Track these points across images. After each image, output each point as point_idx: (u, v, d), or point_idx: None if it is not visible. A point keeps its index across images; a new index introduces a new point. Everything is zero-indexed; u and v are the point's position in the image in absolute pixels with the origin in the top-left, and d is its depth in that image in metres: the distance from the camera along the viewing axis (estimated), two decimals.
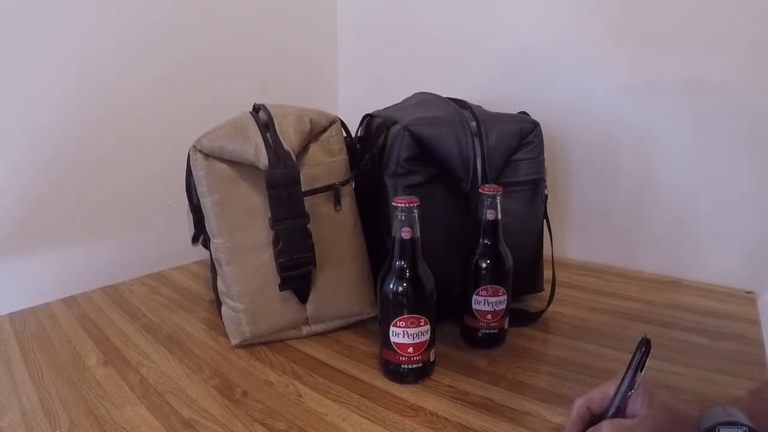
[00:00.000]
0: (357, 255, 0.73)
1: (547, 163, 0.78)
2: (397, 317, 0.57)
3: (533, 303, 0.79)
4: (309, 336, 0.71)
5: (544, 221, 0.79)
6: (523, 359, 0.65)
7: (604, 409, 0.42)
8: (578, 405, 0.43)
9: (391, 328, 0.57)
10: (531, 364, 0.63)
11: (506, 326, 0.68)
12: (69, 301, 0.86)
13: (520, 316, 0.74)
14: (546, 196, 0.78)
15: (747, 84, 0.80)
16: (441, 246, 0.69)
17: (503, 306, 0.65)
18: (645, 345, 0.40)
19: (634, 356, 0.41)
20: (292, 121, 0.68)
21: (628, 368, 0.41)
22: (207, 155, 0.66)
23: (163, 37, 0.97)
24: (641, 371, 0.40)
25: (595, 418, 0.42)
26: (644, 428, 0.38)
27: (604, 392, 0.42)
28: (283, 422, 0.53)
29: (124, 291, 0.90)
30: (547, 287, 0.78)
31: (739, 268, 0.84)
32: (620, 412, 0.41)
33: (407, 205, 0.55)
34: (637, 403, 0.40)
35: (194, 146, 0.66)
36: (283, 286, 0.67)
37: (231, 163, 0.66)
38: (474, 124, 0.71)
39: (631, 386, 0.40)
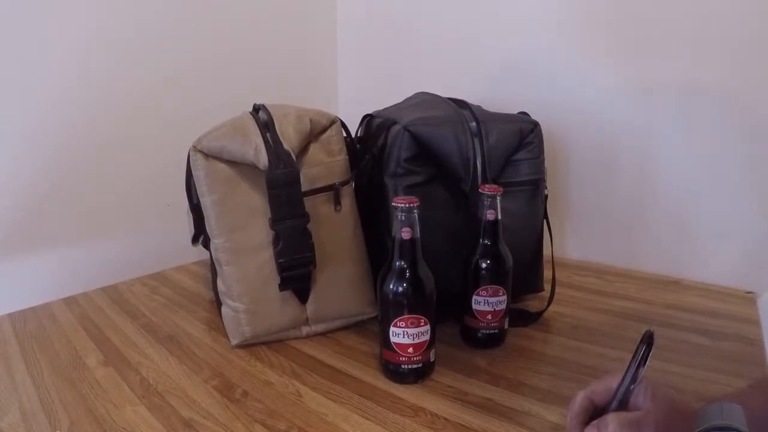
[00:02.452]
0: (357, 255, 0.73)
1: (547, 163, 0.78)
2: (397, 317, 0.57)
3: (533, 303, 0.79)
4: (309, 336, 0.71)
5: (544, 221, 0.79)
6: (523, 359, 0.65)
7: (607, 402, 0.42)
8: (581, 397, 0.43)
9: (391, 328, 0.57)
10: (531, 364, 0.63)
11: (506, 326, 0.68)
12: (69, 301, 0.86)
13: (520, 316, 0.74)
14: (546, 196, 0.78)
15: (746, 85, 0.80)
16: (441, 246, 0.69)
17: (503, 306, 0.65)
18: (648, 338, 0.40)
19: (637, 350, 0.40)
20: (292, 121, 0.68)
21: (631, 362, 0.41)
22: (207, 155, 0.66)
23: (163, 37, 0.97)
24: (645, 365, 0.40)
25: (597, 411, 0.42)
26: (649, 421, 0.38)
27: (607, 385, 0.42)
28: (283, 422, 0.53)
29: (124, 291, 0.90)
30: (547, 287, 0.78)
31: (739, 268, 0.84)
32: (623, 406, 0.41)
33: (407, 205, 0.55)
34: (640, 397, 0.40)
35: (194, 146, 0.66)
36: (283, 286, 0.67)
37: (231, 163, 0.66)
38: (474, 124, 0.71)
39: (634, 380, 0.40)
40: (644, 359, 0.40)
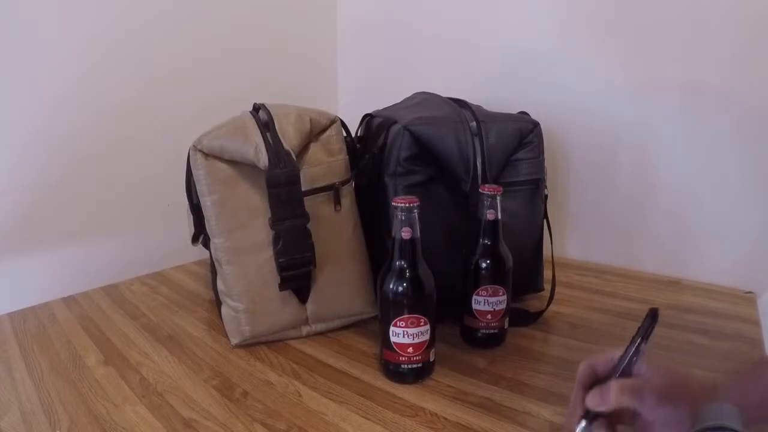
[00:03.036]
0: (357, 255, 0.73)
1: (547, 163, 0.78)
2: (397, 317, 0.57)
3: (533, 303, 0.79)
4: (309, 336, 0.71)
5: (544, 221, 0.79)
6: (523, 359, 0.65)
7: (609, 372, 0.43)
8: (584, 365, 0.44)
9: (391, 328, 0.57)
10: (531, 364, 0.63)
11: (506, 326, 0.68)
12: (69, 301, 0.86)
13: (520, 316, 0.74)
14: (546, 196, 0.78)
15: (747, 83, 0.80)
16: (441, 246, 0.69)
17: (503, 306, 0.65)
18: (653, 315, 0.42)
19: (642, 324, 0.42)
20: (293, 120, 0.68)
21: (635, 335, 0.42)
22: (207, 155, 0.66)
23: (162, 37, 0.97)
24: (647, 340, 0.41)
25: (599, 381, 0.43)
26: (650, 387, 0.39)
27: (609, 357, 0.43)
28: (283, 422, 0.53)
29: (124, 291, 0.90)
30: (547, 287, 0.78)
31: (739, 268, 0.84)
32: (625, 376, 0.42)
33: (407, 205, 0.55)
34: (641, 369, 0.41)
35: (194, 146, 0.66)
36: (283, 286, 0.67)
37: (231, 162, 0.66)
38: (474, 123, 0.71)
39: (636, 353, 0.41)
40: (647, 335, 0.41)
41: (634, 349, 0.41)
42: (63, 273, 0.89)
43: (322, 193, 0.69)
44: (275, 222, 0.64)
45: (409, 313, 0.57)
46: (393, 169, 0.70)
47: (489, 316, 0.65)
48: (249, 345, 0.69)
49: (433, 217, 0.68)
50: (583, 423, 0.41)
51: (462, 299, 0.67)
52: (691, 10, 0.82)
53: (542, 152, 0.77)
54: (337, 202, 0.70)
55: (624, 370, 0.41)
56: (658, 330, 0.71)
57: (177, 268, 1.01)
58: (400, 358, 0.58)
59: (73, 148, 0.87)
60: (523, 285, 0.78)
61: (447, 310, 0.65)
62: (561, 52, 0.97)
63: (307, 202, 0.66)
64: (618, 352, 0.42)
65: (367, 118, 0.85)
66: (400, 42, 1.22)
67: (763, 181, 0.81)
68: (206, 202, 0.67)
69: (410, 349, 0.58)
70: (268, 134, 0.66)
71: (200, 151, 0.66)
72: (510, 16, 1.02)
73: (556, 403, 0.54)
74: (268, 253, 0.66)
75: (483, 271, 0.65)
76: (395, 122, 0.72)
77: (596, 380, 0.43)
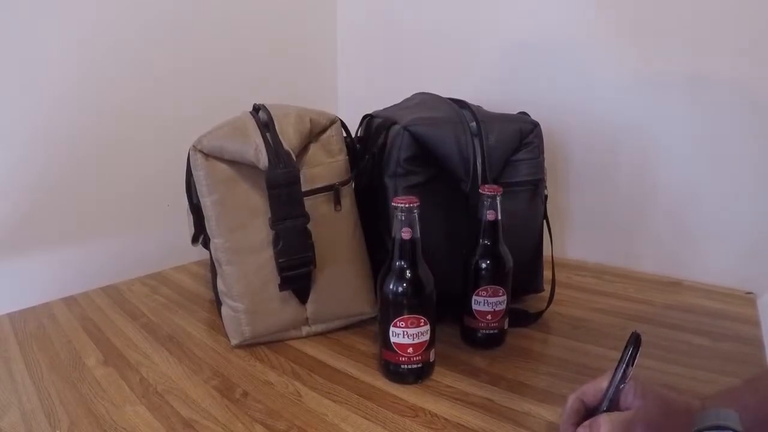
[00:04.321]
0: (357, 255, 0.73)
1: (547, 163, 0.78)
2: (397, 317, 0.57)
3: (533, 303, 0.79)
4: (309, 336, 0.71)
5: (544, 221, 0.79)
6: (523, 359, 0.65)
7: (598, 402, 0.43)
8: (572, 398, 0.44)
9: (391, 329, 0.57)
10: (531, 364, 0.63)
11: (506, 326, 0.68)
12: (69, 301, 0.86)
13: (520, 317, 0.73)
14: (546, 197, 0.78)
15: (748, 83, 0.80)
16: (441, 246, 0.69)
17: (503, 306, 0.65)
18: (636, 340, 0.41)
19: (625, 351, 0.42)
20: (293, 120, 0.68)
21: (619, 362, 0.42)
22: (207, 155, 0.66)
23: (162, 37, 0.97)
24: (632, 365, 0.41)
25: (588, 412, 0.43)
26: (640, 419, 0.39)
27: (597, 386, 0.43)
28: (283, 422, 0.53)
29: (124, 291, 0.90)
30: (547, 287, 0.78)
31: (739, 268, 0.84)
32: (613, 405, 0.42)
33: (407, 205, 0.55)
34: (629, 396, 0.41)
35: (194, 146, 0.66)
36: (283, 286, 0.67)
37: (231, 163, 0.66)
38: (474, 124, 0.71)
39: (623, 380, 0.41)
40: (632, 359, 0.41)
41: (620, 377, 0.41)
42: (63, 273, 0.89)
43: (322, 194, 0.69)
44: (275, 222, 0.64)
45: (409, 314, 0.57)
46: (393, 170, 0.70)
47: (489, 317, 0.65)
48: (249, 345, 0.69)
49: (433, 217, 0.68)
50: None
51: (462, 299, 0.67)
52: (694, 5, 0.82)
53: (542, 153, 0.77)
54: (337, 202, 0.70)
55: (612, 398, 0.41)
56: (658, 331, 0.71)
57: (177, 269, 1.01)
58: (400, 359, 0.58)
59: (73, 148, 0.87)
60: (523, 285, 0.78)
61: (447, 310, 0.65)
62: (562, 51, 0.97)
63: (307, 202, 0.66)
64: (605, 381, 0.42)
65: (367, 119, 0.85)
66: (400, 42, 1.22)
67: (764, 180, 0.81)
68: (206, 203, 0.67)
69: (410, 350, 0.58)
70: (268, 135, 0.66)
71: (200, 151, 0.66)
72: (510, 16, 1.02)
73: (556, 404, 0.54)
74: (268, 254, 0.66)
75: (483, 272, 0.65)
76: (395, 123, 0.72)
77: (586, 412, 0.43)
